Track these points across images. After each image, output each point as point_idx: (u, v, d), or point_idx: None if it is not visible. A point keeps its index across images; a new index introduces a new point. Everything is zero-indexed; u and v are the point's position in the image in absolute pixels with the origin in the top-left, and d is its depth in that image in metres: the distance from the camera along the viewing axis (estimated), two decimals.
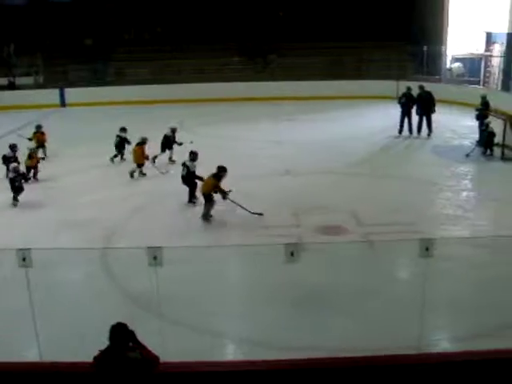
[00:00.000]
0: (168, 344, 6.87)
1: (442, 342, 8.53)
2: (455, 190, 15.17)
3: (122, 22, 32.73)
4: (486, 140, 18.05)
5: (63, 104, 28.66)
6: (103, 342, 5.49)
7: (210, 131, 19.31)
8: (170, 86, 28.49)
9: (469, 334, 8.33)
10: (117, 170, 16.93)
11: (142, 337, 5.65)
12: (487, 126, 18.07)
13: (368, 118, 23.86)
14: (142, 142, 16.30)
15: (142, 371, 5.48)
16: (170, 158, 17.50)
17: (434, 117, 20.71)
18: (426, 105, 20.71)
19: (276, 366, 6.29)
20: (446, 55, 30.05)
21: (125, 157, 17.74)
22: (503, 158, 17.63)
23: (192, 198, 13.89)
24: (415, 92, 20.94)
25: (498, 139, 17.96)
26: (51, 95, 28.30)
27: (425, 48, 29.33)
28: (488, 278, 10.18)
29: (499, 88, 27.15)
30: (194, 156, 13.99)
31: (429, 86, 21.68)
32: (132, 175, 16.16)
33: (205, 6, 32.37)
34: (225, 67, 30.64)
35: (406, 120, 20.84)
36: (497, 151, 17.89)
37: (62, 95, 28.70)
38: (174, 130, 17.69)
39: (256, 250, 9.66)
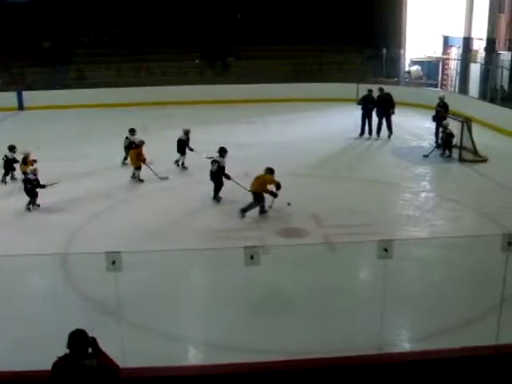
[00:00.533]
0: (128, 349, 6.83)
1: (403, 342, 8.65)
2: (414, 191, 15.38)
3: (81, 24, 32.34)
4: (444, 141, 18.35)
5: (21, 107, 28.19)
6: (62, 349, 5.42)
7: (172, 134, 19.09)
8: (131, 88, 28.22)
9: (428, 332, 8.46)
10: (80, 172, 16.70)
11: (102, 342, 5.59)
12: (446, 127, 18.34)
13: (329, 120, 24.04)
14: (137, 145, 16.20)
15: (98, 379, 5.40)
16: (177, 162, 17.12)
17: (393, 119, 20.97)
18: (385, 106, 21.00)
19: (238, 369, 6.30)
20: (404, 58, 30.47)
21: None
22: (461, 159, 17.92)
23: (217, 196, 14.13)
24: (375, 94, 21.22)
25: (456, 141, 18.28)
26: (9, 98, 27.81)
27: (384, 51, 29.65)
28: (446, 277, 10.38)
29: (456, 90, 27.61)
30: (223, 152, 14.25)
31: (388, 89, 22.01)
32: (133, 177, 16.10)
33: (164, 8, 32.22)
34: (185, 70, 30.49)
35: (366, 122, 21.11)
36: (455, 152, 18.19)
37: (19, 98, 28.20)
38: (187, 132, 17.30)
39: (217, 254, 9.65)
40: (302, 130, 21.94)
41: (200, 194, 14.68)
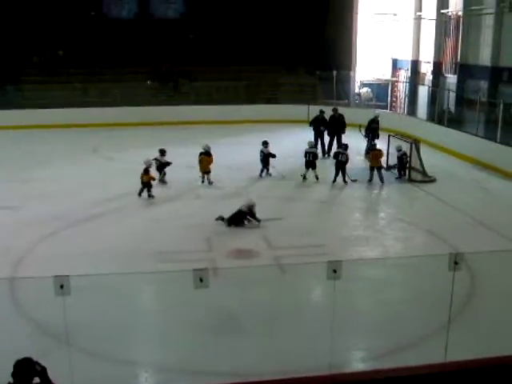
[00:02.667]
0: (78, 376, 6.70)
1: (353, 362, 8.70)
2: (364, 211, 15.56)
3: (31, 44, 31.94)
4: (401, 163, 18.58)
5: None
6: (7, 378, 5.29)
7: (123, 156, 19.05)
8: (82, 109, 27.94)
9: (379, 352, 8.53)
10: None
11: (51, 368, 5.47)
12: (400, 149, 18.57)
13: (280, 141, 24.05)
14: (209, 154, 17.65)
15: None
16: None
17: (343, 139, 21.25)
18: (337, 127, 21.35)
19: None
20: (354, 80, 31.01)
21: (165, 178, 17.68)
22: (410, 179, 18.25)
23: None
24: (329, 115, 21.60)
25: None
26: None
27: (334, 73, 30.09)
28: (396, 296, 10.51)
29: (405, 112, 28.16)
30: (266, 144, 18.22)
31: (338, 110, 22.34)
32: (207, 181, 17.57)
33: (117, 29, 32.14)
34: (137, 91, 30.33)
35: (319, 142, 21.40)
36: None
37: None
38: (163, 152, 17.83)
39: (166, 277, 9.57)
40: (253, 151, 21.92)
41: (151, 216, 14.60)
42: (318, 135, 21.53)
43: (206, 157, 17.65)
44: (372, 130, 21.28)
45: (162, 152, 17.77)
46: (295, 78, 31.59)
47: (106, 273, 9.50)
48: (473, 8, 24.71)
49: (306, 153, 18.21)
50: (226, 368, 7.96)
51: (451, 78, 26.32)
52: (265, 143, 18.54)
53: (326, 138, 21.75)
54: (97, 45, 31.66)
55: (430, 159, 19.29)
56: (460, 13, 25.40)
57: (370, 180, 17.97)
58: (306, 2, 32.39)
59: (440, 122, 24.44)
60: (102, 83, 30.18)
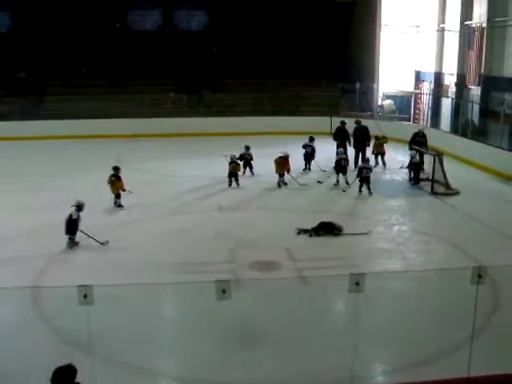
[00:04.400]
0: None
1: (376, 375, 8.65)
2: (387, 224, 15.48)
3: (56, 55, 32.40)
4: (414, 171, 19.10)
5: None
6: None
7: (147, 167, 19.19)
8: (105, 120, 28.19)
9: (401, 365, 8.47)
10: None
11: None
12: (413, 157, 19.17)
13: (301, 154, 24.11)
14: (286, 157, 18.97)
15: None
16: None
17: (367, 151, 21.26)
18: (362, 139, 21.29)
19: None
20: (377, 92, 30.94)
21: None
22: (433, 192, 18.15)
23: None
24: (352, 126, 21.60)
25: (428, 174, 18.60)
26: None
27: (357, 85, 30.08)
28: (419, 309, 10.42)
29: (428, 124, 28.02)
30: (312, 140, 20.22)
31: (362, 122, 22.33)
32: (280, 185, 18.76)
33: (141, 41, 32.47)
34: (160, 102, 30.57)
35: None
36: (427, 185, 18.45)
37: None
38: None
39: (189, 287, 9.60)
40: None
41: (172, 227, 14.67)
42: (342, 146, 21.46)
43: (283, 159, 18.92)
44: (416, 144, 20.75)
45: (247, 148, 19.79)
46: (318, 90, 31.56)
47: (129, 283, 9.56)
48: (497, 19, 24.55)
49: (340, 159, 18.79)
50: (247, 380, 7.96)
51: (475, 90, 26.14)
52: (311, 139, 20.90)
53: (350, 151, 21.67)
54: (121, 56, 32.01)
55: (453, 171, 19.16)
56: (484, 24, 25.24)
57: (376, 165, 20.59)
58: (328, 15, 32.48)
59: (463, 134, 24.28)
60: (126, 94, 30.46)
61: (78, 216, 13.28)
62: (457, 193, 18.16)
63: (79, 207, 13.42)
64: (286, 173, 18.85)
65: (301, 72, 31.36)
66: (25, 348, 8.79)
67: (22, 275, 11.34)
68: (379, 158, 21.55)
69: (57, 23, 31.96)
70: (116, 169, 16.56)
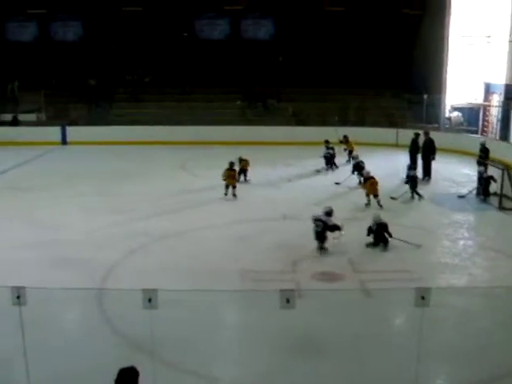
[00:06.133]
0: None
1: None
2: (452, 238, 15.16)
3: (125, 63, 33.19)
4: (484, 186, 18.30)
5: (64, 142, 28.85)
6: None
7: (209, 174, 19.32)
8: (171, 127, 28.73)
9: (464, 382, 8.26)
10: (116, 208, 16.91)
11: None
12: (482, 173, 18.52)
13: (370, 165, 23.87)
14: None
15: None
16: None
17: (433, 165, 20.92)
18: (427, 151, 21.05)
19: None
20: (444, 104, 30.42)
21: None
22: (501, 207, 17.68)
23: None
24: (421, 138, 21.46)
25: (496, 188, 18.12)
26: (53, 133, 28.52)
27: (424, 97, 29.66)
28: (484, 326, 10.15)
29: (497, 137, 27.39)
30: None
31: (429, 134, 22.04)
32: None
33: (208, 50, 32.94)
34: (226, 111, 30.91)
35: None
36: (494, 200, 17.98)
37: (63, 133, 28.91)
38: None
39: (252, 296, 9.61)
40: (341, 173, 21.79)
41: (236, 235, 14.74)
42: (414, 159, 21.27)
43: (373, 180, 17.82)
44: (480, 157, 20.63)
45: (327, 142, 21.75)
46: (383, 101, 31.30)
47: (194, 289, 9.64)
48: None
49: (411, 176, 18.74)
50: None
51: None
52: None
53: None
54: (189, 65, 32.50)
55: None
56: None
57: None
58: (395, 25, 32.22)
59: None
60: (193, 102, 30.90)
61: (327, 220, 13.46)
62: None
63: (328, 213, 13.60)
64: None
65: (366, 82, 31.17)
66: (89, 349, 8.96)
67: (89, 277, 11.62)
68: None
69: (125, 32, 32.82)
70: (232, 164, 18.58)
